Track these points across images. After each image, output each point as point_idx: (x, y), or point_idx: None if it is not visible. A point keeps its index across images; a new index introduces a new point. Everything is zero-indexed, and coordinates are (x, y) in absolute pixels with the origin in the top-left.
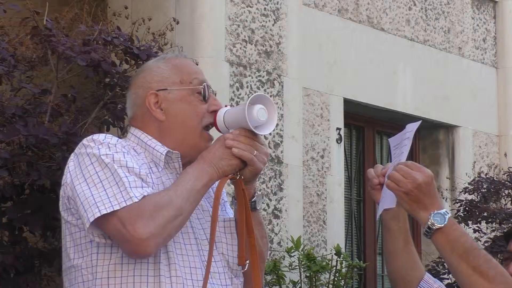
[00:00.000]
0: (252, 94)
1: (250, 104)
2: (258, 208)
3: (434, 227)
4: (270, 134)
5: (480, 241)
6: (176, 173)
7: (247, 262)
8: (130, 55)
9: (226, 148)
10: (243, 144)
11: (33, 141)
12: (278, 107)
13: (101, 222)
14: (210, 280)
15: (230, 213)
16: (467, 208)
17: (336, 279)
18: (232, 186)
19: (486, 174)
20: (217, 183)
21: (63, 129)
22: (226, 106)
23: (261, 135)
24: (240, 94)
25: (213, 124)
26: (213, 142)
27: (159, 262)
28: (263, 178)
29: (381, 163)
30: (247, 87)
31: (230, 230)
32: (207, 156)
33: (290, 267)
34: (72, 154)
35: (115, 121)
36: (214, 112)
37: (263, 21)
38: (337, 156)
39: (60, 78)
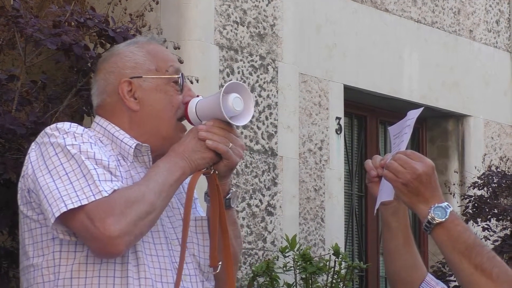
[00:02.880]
0: (244, 80)
1: (224, 93)
2: (233, 206)
3: (434, 222)
4: (263, 124)
5: (490, 239)
6: (146, 167)
7: (220, 263)
8: (105, 38)
9: (199, 140)
10: (217, 136)
11: None
12: (272, 94)
13: (66, 218)
14: (181, 283)
15: (201, 211)
16: (476, 205)
17: (334, 281)
18: (204, 182)
19: (497, 168)
20: (188, 178)
21: (32, 119)
22: (198, 96)
23: (237, 126)
24: (230, 81)
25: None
26: (185, 134)
27: (127, 262)
28: (256, 172)
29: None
30: (239, 72)
31: (202, 230)
32: (179, 149)
33: (284, 268)
34: (33, 144)
35: (89, 109)
36: (188, 103)
37: (256, 0)
38: (336, 148)
39: (28, 63)
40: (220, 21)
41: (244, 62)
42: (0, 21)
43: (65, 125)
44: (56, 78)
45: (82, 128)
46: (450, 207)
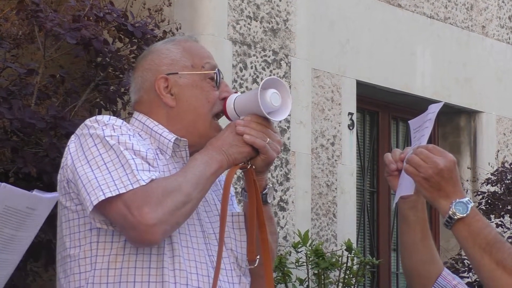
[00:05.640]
0: (257, 75)
1: (262, 89)
2: (269, 201)
3: (455, 217)
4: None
5: (503, 236)
6: (183, 162)
7: (258, 257)
8: (124, 32)
9: (237, 135)
10: (255, 131)
11: (18, 126)
12: None
13: (104, 207)
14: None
15: (238, 208)
16: (489, 201)
17: (346, 277)
18: (237, 182)
19: (510, 164)
20: (225, 174)
21: (51, 113)
22: (236, 92)
23: (275, 121)
24: (243, 75)
25: (223, 111)
26: (223, 129)
27: (162, 253)
28: None
29: None
30: (252, 67)
31: (238, 226)
32: (217, 142)
33: (296, 264)
34: (73, 135)
35: (107, 104)
36: (225, 99)
37: None
38: (349, 143)
39: (48, 57)
40: (234, 16)
41: (257, 57)
42: (20, 15)
43: (105, 118)
44: (73, 73)
45: (121, 120)
46: (471, 202)
